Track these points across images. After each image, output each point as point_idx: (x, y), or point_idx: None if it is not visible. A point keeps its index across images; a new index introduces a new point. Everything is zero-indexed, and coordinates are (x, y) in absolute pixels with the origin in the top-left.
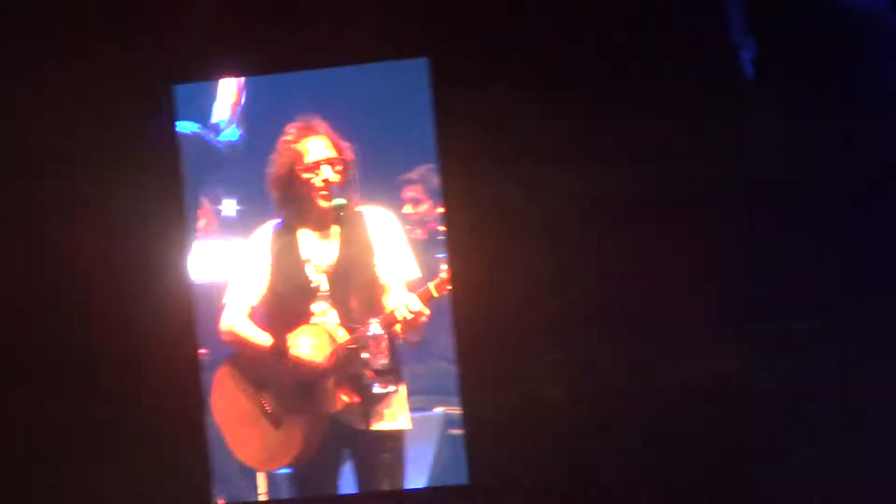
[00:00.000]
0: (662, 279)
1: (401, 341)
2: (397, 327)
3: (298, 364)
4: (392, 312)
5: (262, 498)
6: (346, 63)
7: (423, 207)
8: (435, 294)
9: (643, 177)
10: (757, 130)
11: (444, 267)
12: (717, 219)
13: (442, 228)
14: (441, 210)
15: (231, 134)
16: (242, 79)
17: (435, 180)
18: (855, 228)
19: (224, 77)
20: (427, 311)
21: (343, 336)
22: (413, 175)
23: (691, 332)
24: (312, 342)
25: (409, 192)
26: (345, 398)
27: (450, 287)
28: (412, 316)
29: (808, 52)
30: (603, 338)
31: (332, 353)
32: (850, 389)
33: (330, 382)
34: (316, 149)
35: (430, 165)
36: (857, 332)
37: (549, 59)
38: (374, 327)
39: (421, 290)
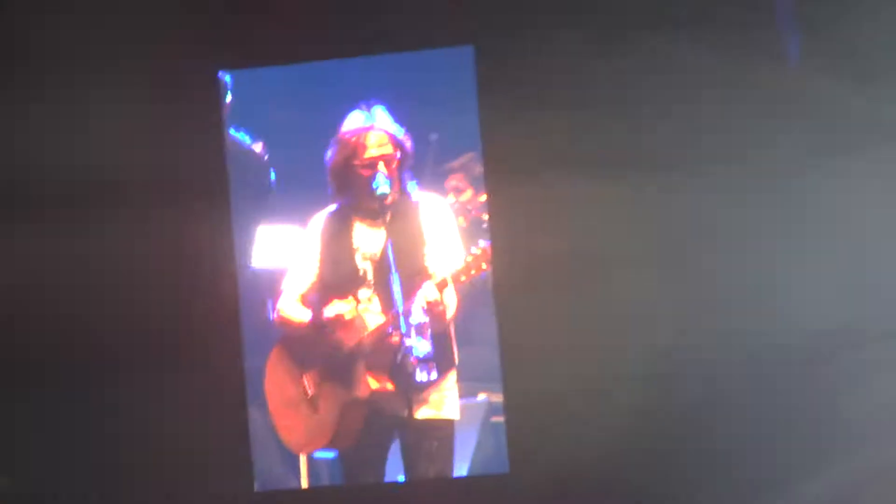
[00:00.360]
0: (709, 262)
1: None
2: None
3: (335, 330)
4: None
5: (304, 483)
6: (393, 50)
7: (466, 196)
8: (449, 283)
9: (687, 164)
10: (802, 117)
11: (463, 255)
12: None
13: (485, 216)
14: (483, 198)
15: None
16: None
17: (477, 169)
18: None
19: (270, 64)
20: (446, 302)
21: (376, 321)
22: (455, 164)
23: (734, 320)
24: (345, 322)
25: (452, 181)
26: (374, 383)
27: (464, 279)
28: (427, 306)
29: (854, 39)
30: (647, 326)
31: (362, 339)
32: None
33: (360, 366)
34: (372, 145)
35: (473, 154)
36: None
37: (594, 49)
38: (417, 315)
39: (438, 279)
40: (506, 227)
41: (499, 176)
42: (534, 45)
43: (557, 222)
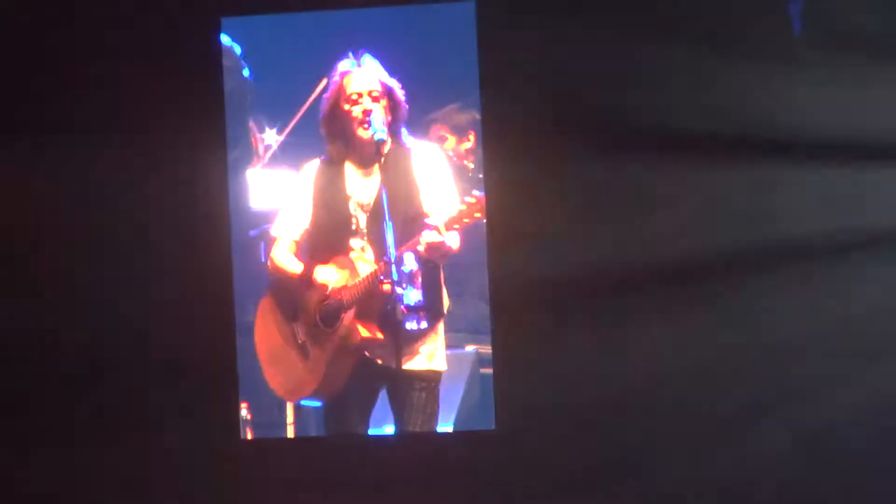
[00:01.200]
0: (703, 223)
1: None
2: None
3: (322, 292)
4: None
5: (290, 428)
6: (395, 3)
7: (450, 144)
8: (442, 230)
9: (686, 124)
10: (804, 87)
11: (457, 203)
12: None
13: (469, 165)
14: (467, 146)
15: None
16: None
17: (458, 118)
18: None
19: (271, 12)
20: (446, 247)
21: (367, 269)
22: (437, 115)
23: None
24: (337, 273)
25: (435, 131)
26: (365, 332)
27: (457, 227)
28: (423, 248)
29: (857, 7)
30: (638, 282)
31: (353, 286)
32: None
33: (350, 315)
34: (359, 81)
35: (455, 105)
36: None
37: (595, 5)
38: (409, 263)
39: (436, 225)
40: (501, 180)
41: (496, 131)
42: (535, 2)
43: (553, 177)
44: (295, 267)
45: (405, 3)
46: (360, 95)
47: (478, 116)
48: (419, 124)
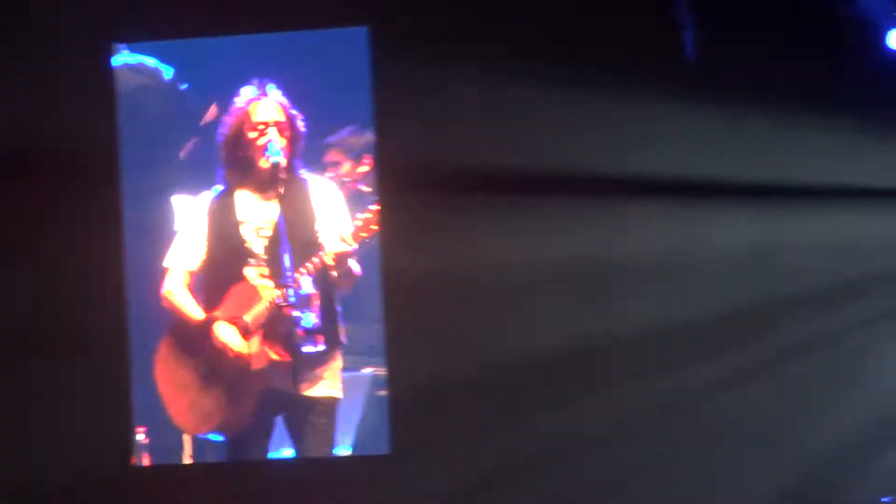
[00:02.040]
0: (603, 246)
1: (336, 290)
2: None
3: (224, 346)
4: (322, 260)
5: (188, 461)
6: (287, 29)
7: (345, 169)
8: (349, 239)
9: (580, 148)
10: (698, 110)
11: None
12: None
13: (365, 189)
14: (363, 170)
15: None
16: None
17: (354, 142)
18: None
19: (165, 38)
20: (345, 272)
21: (272, 293)
22: (333, 139)
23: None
24: (241, 300)
25: (331, 156)
26: (273, 355)
27: (355, 243)
28: (334, 256)
29: (750, 32)
30: (531, 304)
31: (260, 312)
32: None
33: (257, 339)
34: (265, 111)
35: (351, 128)
36: None
37: (489, 28)
38: (307, 286)
39: (334, 250)
40: (395, 206)
41: (389, 156)
42: (428, 26)
43: (446, 199)
44: (195, 313)
45: (297, 29)
46: (266, 125)
47: (373, 139)
48: (315, 149)
